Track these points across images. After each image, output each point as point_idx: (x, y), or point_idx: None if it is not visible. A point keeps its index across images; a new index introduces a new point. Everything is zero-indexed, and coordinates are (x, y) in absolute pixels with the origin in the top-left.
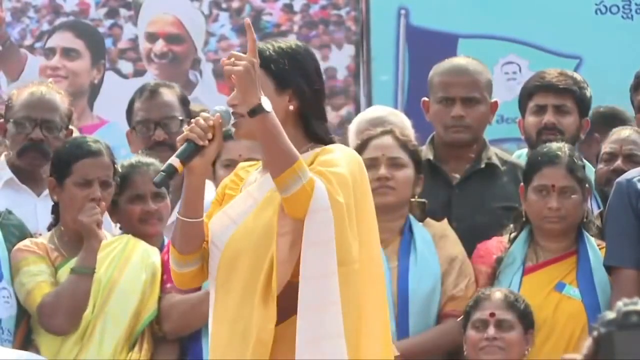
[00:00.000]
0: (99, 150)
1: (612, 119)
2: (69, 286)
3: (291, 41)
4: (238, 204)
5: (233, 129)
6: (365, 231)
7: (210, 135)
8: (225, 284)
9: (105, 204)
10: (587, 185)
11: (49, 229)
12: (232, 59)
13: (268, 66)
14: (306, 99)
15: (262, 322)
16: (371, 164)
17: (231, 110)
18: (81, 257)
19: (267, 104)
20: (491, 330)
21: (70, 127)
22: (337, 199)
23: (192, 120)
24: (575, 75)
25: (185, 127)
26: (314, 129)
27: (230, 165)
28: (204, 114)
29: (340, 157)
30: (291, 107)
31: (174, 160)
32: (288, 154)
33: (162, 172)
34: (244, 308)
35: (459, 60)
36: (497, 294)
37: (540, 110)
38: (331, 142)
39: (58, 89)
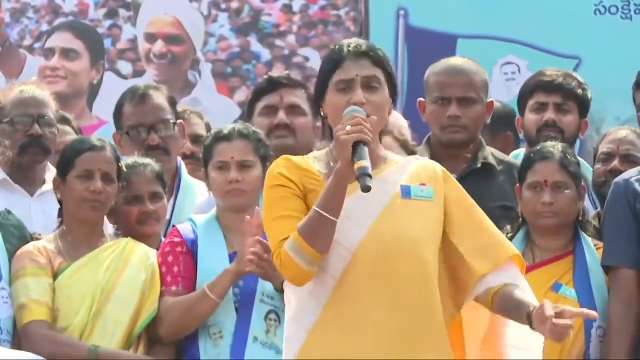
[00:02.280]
0: (102, 146)
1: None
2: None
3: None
4: (354, 204)
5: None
6: None
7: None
8: (364, 285)
9: (108, 199)
10: (582, 182)
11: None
12: None
13: (386, 68)
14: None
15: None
16: None
17: (362, 109)
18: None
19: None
20: None
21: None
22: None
23: (354, 121)
24: (577, 76)
25: (348, 129)
26: (381, 132)
27: (223, 167)
28: (361, 115)
29: (462, 188)
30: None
31: (367, 162)
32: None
33: (367, 176)
34: (404, 311)
35: (455, 60)
36: None
37: (541, 107)
38: None
39: (43, 87)
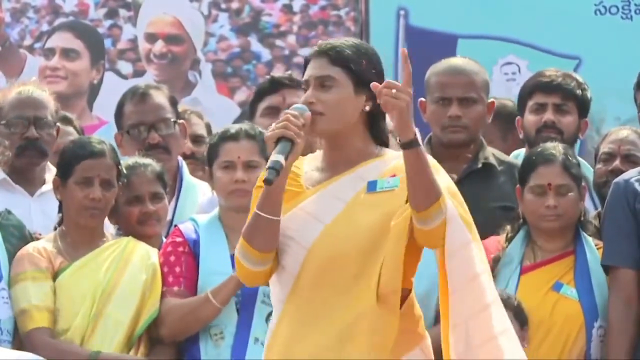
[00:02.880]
0: (101, 151)
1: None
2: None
3: (362, 41)
4: (318, 202)
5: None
6: None
7: (302, 133)
8: (316, 284)
9: (108, 204)
10: (582, 183)
11: (55, 229)
12: (393, 90)
13: (348, 66)
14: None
15: (383, 324)
16: None
17: (306, 107)
18: None
19: (419, 136)
20: None
21: (57, 124)
22: (470, 222)
23: (283, 117)
24: (576, 76)
25: (275, 125)
26: (380, 130)
27: (229, 166)
28: (293, 112)
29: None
30: (367, 108)
31: (278, 157)
32: (435, 188)
33: (272, 169)
34: (353, 308)
35: (456, 60)
36: None
37: (541, 108)
38: (388, 144)
39: (42, 87)
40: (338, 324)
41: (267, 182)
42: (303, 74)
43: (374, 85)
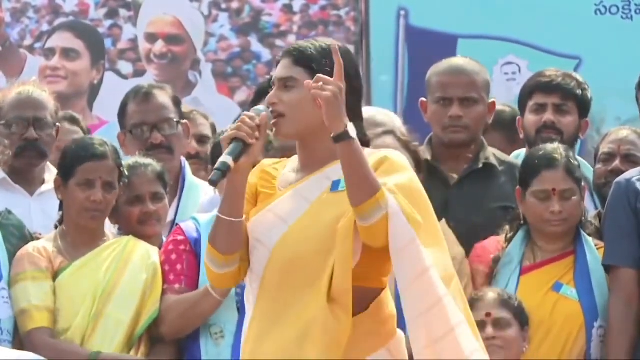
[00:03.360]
0: (103, 154)
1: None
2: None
3: (331, 40)
4: (286, 203)
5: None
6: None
7: (257, 134)
8: (280, 284)
9: (109, 206)
10: (583, 184)
11: (56, 227)
12: (320, 83)
13: (309, 66)
14: (346, 100)
15: (335, 324)
16: None
17: (270, 109)
18: None
19: (352, 130)
20: (489, 330)
21: (57, 124)
22: (416, 219)
23: (239, 118)
24: (576, 76)
25: (231, 126)
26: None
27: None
28: (248, 113)
29: (400, 161)
30: None
31: (227, 158)
32: (370, 182)
33: (217, 170)
34: (308, 309)
35: (457, 60)
36: (490, 293)
37: (540, 108)
38: (367, 142)
39: (42, 87)
40: (297, 324)
41: (211, 182)
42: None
43: (305, 83)
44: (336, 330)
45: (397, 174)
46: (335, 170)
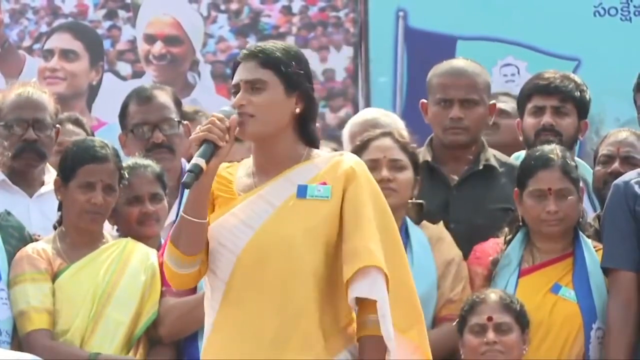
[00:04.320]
0: (104, 156)
1: None
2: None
3: (290, 44)
4: (249, 207)
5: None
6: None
7: (227, 137)
8: (247, 289)
9: (108, 208)
10: (580, 185)
11: (55, 228)
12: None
13: (279, 68)
14: (310, 102)
15: (308, 329)
16: (372, 166)
17: (236, 111)
18: None
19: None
20: (491, 335)
21: (57, 125)
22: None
23: (208, 120)
24: (575, 77)
25: (200, 127)
26: (310, 132)
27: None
28: (218, 115)
29: (366, 188)
30: (297, 110)
31: (199, 160)
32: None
33: (190, 173)
34: (278, 315)
35: (458, 62)
36: (492, 296)
37: (539, 111)
38: (318, 145)
39: (42, 88)
40: (268, 330)
41: (185, 185)
42: (232, 78)
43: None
44: (310, 334)
45: (367, 201)
46: (298, 174)
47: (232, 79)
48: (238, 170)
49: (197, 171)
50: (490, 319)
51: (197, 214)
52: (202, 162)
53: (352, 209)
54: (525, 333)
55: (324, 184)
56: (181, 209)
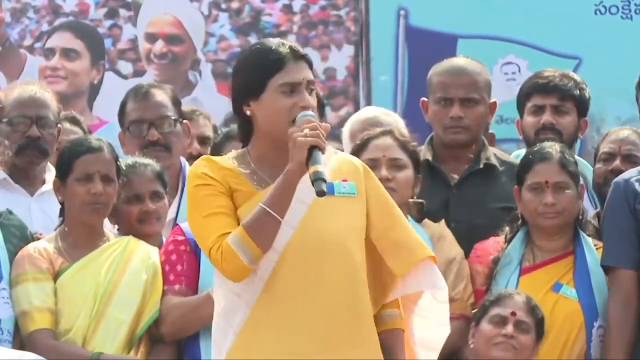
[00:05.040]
0: (99, 147)
1: None
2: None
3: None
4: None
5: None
6: None
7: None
8: (294, 285)
9: (109, 199)
10: (580, 181)
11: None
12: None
13: (312, 68)
14: (317, 100)
15: (365, 327)
16: (371, 165)
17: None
18: None
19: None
20: (510, 328)
21: (59, 125)
22: None
23: (312, 125)
24: (574, 75)
25: (307, 133)
26: None
27: None
28: (313, 121)
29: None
30: None
31: (321, 167)
32: None
33: (322, 180)
34: (331, 311)
35: (458, 60)
36: (520, 295)
37: (539, 110)
38: None
39: (45, 87)
40: (322, 328)
41: (321, 194)
42: (259, 74)
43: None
44: (368, 331)
45: (389, 197)
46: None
47: (267, 77)
48: (233, 163)
49: (326, 178)
50: (514, 314)
51: (282, 212)
52: (324, 169)
53: (381, 204)
54: (538, 342)
55: (345, 180)
56: (180, 207)
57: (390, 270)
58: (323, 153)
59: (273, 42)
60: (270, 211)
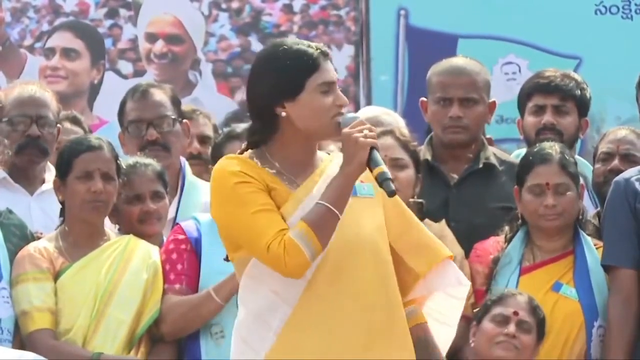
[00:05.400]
0: (99, 145)
1: None
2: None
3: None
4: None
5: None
6: None
7: None
8: (336, 285)
9: (109, 197)
10: (580, 181)
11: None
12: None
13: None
14: None
15: (405, 325)
16: None
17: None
18: None
19: None
20: (512, 328)
21: (58, 125)
22: None
23: (369, 126)
24: (575, 75)
25: (367, 134)
26: None
27: None
28: (365, 122)
29: None
30: None
31: (385, 167)
32: None
33: (390, 180)
34: (373, 310)
35: (457, 60)
36: (522, 295)
37: (539, 110)
38: None
39: (45, 86)
40: (360, 327)
41: (392, 194)
42: (296, 75)
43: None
44: (406, 330)
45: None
46: (333, 171)
47: (304, 78)
48: (256, 162)
49: (392, 178)
50: (516, 313)
51: (341, 210)
52: (386, 168)
53: (395, 206)
54: (539, 343)
55: (362, 182)
56: (180, 207)
57: (412, 270)
58: (378, 149)
59: (300, 43)
60: (333, 209)
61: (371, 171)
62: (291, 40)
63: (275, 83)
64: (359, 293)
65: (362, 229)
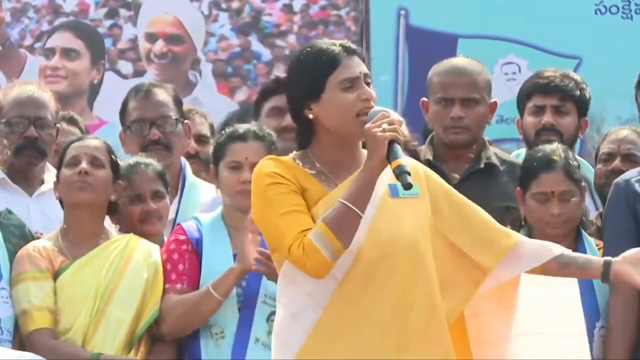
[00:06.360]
0: (92, 137)
1: None
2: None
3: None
4: None
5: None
6: None
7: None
8: (366, 289)
9: (98, 182)
10: (583, 184)
11: None
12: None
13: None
14: None
15: (442, 329)
16: None
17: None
18: None
19: None
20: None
21: (57, 125)
22: None
23: (389, 120)
24: (574, 75)
25: (385, 128)
26: None
27: (236, 167)
28: (388, 115)
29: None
30: None
31: (403, 160)
32: None
33: (408, 173)
34: (408, 313)
35: (458, 60)
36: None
37: (539, 110)
38: None
39: (44, 87)
40: (392, 328)
41: (408, 187)
42: (316, 74)
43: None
44: (444, 334)
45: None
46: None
47: (325, 76)
48: (298, 163)
49: (409, 170)
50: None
51: (362, 208)
52: (406, 162)
53: (451, 201)
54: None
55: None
56: (180, 207)
57: (479, 265)
58: (401, 146)
59: (324, 42)
60: (352, 206)
61: (390, 165)
62: (318, 41)
63: (300, 85)
64: (393, 293)
65: (401, 229)
